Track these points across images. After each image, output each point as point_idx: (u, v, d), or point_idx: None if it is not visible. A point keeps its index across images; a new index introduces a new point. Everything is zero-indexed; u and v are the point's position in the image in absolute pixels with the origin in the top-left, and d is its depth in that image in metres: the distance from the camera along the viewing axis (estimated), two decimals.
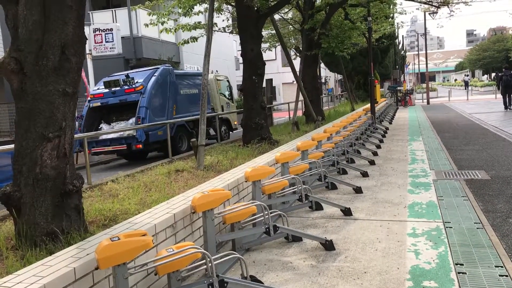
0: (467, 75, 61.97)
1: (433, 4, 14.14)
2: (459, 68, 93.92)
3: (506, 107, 18.42)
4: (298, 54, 18.37)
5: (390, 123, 16.48)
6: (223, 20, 14.87)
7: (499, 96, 19.79)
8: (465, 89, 38.56)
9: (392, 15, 20.33)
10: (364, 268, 3.56)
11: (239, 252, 3.74)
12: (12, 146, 4.58)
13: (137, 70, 12.89)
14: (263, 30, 10.34)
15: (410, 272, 3.43)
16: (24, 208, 3.37)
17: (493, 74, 54.20)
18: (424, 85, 39.07)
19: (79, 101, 4.87)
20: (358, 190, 6.09)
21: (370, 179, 6.93)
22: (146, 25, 11.54)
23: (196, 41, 11.45)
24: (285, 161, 5.40)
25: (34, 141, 3.37)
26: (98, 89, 11.73)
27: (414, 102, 28.26)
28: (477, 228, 4.34)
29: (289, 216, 5.03)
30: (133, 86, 11.03)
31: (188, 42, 11.47)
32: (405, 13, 18.71)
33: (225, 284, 2.92)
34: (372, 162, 8.16)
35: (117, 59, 17.84)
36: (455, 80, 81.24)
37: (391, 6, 16.57)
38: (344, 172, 7.40)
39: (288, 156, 5.47)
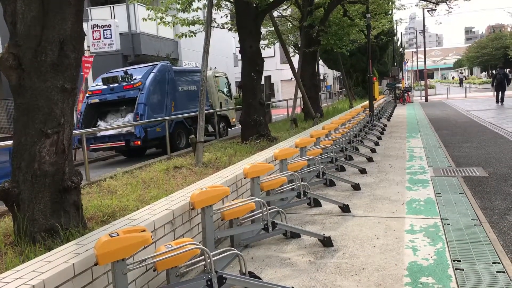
0: (462, 73, 62.97)
1: (432, 0, 14.13)
2: (457, 65, 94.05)
3: (497, 101, 20.61)
4: (296, 51, 18.36)
5: (389, 120, 16.49)
6: (222, 17, 14.85)
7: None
8: (460, 86, 39.42)
9: (390, 11, 20.34)
10: (362, 265, 3.57)
11: (237, 248, 3.75)
12: (10, 142, 4.57)
13: (135, 66, 12.85)
14: (262, 27, 10.32)
15: (408, 269, 3.45)
16: (22, 204, 3.37)
17: (489, 72, 55.77)
18: (422, 83, 39.11)
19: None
20: (356, 187, 6.10)
21: (368, 176, 6.95)
22: (144, 19, 11.50)
23: (195, 35, 11.43)
24: (284, 158, 5.41)
25: (33, 137, 3.37)
26: (96, 85, 11.70)
27: (412, 100, 28.28)
28: (474, 225, 4.36)
29: (288, 213, 5.04)
30: (132, 82, 11.01)
31: (186, 36, 11.45)
32: (404, 9, 18.75)
33: (224, 280, 2.93)
34: (370, 159, 8.18)
35: (116, 55, 17.81)
36: (453, 77, 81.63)
37: (389, 3, 16.57)
38: (343, 169, 7.41)
39: (287, 153, 5.48)
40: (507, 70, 20.32)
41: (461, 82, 48.85)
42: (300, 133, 9.50)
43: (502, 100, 20.42)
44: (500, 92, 20.46)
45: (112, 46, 16.31)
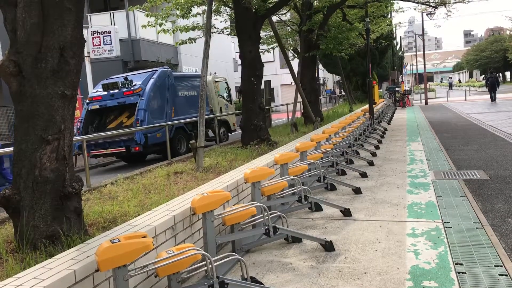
0: (451, 77, 65.58)
1: (430, 4, 14.18)
2: (457, 68, 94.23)
3: (492, 100, 25.40)
4: (296, 56, 18.38)
5: (389, 123, 16.50)
6: (221, 22, 14.88)
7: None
8: (450, 89, 42.79)
9: (389, 14, 20.38)
10: (364, 269, 3.56)
11: (239, 254, 3.74)
12: (10, 149, 4.58)
13: (135, 72, 12.88)
14: (261, 31, 10.35)
15: (410, 272, 3.43)
16: (23, 211, 3.37)
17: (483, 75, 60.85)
18: (422, 86, 39.20)
19: None
20: (357, 191, 6.09)
21: (369, 179, 6.94)
22: (144, 26, 11.55)
23: (195, 42, 11.46)
24: (284, 162, 5.41)
25: (34, 143, 3.36)
26: (96, 91, 11.72)
27: (412, 103, 28.30)
28: (476, 228, 4.35)
29: (289, 217, 5.03)
30: (132, 88, 11.02)
31: (186, 43, 11.48)
32: (402, 11, 18.86)
33: (226, 286, 2.92)
34: (371, 163, 8.17)
35: (115, 61, 17.85)
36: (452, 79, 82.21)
37: (389, 6, 16.62)
38: (343, 173, 7.41)
39: (287, 157, 5.47)
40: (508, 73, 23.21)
41: (450, 86, 53.58)
42: (301, 137, 9.50)
43: (495, 98, 25.51)
44: (492, 92, 25.56)
45: (112, 52, 16.35)
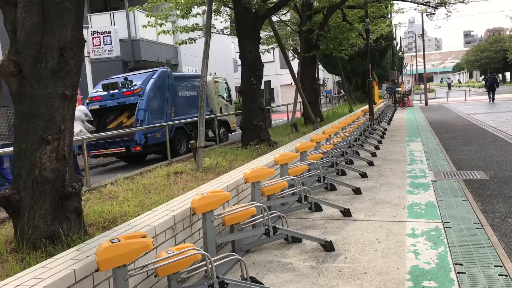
0: (449, 78, 66.41)
1: (430, 4, 14.19)
2: (456, 69, 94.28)
3: (490, 100, 25.97)
4: (296, 56, 18.38)
5: (389, 124, 16.50)
6: (221, 22, 14.89)
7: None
8: (449, 90, 44.65)
9: (389, 15, 20.38)
10: (364, 269, 3.56)
11: (239, 254, 3.74)
12: (10, 149, 4.58)
13: (135, 72, 12.87)
14: (261, 31, 10.36)
15: (410, 272, 3.44)
16: (23, 211, 3.37)
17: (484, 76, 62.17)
18: (422, 86, 39.23)
19: None
20: (357, 191, 6.09)
21: (369, 180, 6.94)
22: (144, 26, 11.55)
23: (194, 42, 11.47)
24: (284, 162, 5.41)
25: (33, 143, 3.37)
26: (96, 92, 11.72)
27: (412, 103, 28.33)
28: (476, 228, 4.35)
29: (289, 217, 5.03)
30: (132, 88, 11.02)
31: (185, 43, 11.49)
32: (403, 12, 18.95)
33: (225, 285, 2.92)
34: (371, 163, 8.17)
35: (115, 61, 17.85)
36: (453, 80, 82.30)
37: (389, 6, 16.64)
38: (343, 173, 7.41)
39: (287, 157, 5.47)
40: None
41: (449, 86, 54.43)
42: (300, 137, 9.50)
43: (493, 99, 25.94)
44: (491, 92, 26.04)
45: (112, 52, 16.36)
